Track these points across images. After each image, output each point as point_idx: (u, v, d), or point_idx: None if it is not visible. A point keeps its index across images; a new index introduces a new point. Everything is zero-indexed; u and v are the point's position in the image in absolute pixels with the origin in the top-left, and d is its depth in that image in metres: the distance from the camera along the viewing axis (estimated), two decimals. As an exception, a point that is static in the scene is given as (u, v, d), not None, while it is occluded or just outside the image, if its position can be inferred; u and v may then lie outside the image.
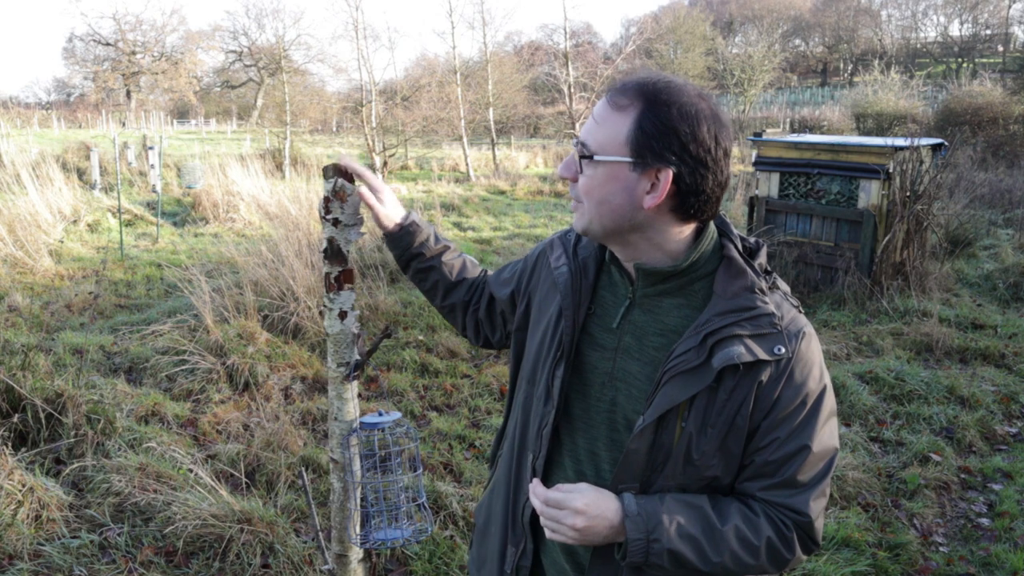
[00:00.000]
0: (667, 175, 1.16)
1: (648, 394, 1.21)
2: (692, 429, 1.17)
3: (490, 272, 1.68)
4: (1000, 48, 53.06)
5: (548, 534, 1.19)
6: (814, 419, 1.19)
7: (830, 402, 1.22)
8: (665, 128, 1.14)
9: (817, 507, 1.20)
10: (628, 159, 1.16)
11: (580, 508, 1.15)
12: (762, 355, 1.15)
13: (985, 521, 3.55)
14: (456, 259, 1.65)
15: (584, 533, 1.16)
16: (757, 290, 1.20)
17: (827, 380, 1.23)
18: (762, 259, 1.26)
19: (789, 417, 1.19)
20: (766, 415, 1.18)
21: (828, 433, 1.21)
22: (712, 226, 1.26)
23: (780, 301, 1.22)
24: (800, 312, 1.24)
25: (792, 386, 1.18)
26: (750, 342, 1.16)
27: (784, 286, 1.27)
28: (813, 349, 1.21)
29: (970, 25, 55.40)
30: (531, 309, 1.45)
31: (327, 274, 1.61)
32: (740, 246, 1.26)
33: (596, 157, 1.18)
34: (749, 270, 1.22)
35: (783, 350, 1.16)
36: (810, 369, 1.19)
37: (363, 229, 1.62)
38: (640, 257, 1.25)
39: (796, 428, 1.19)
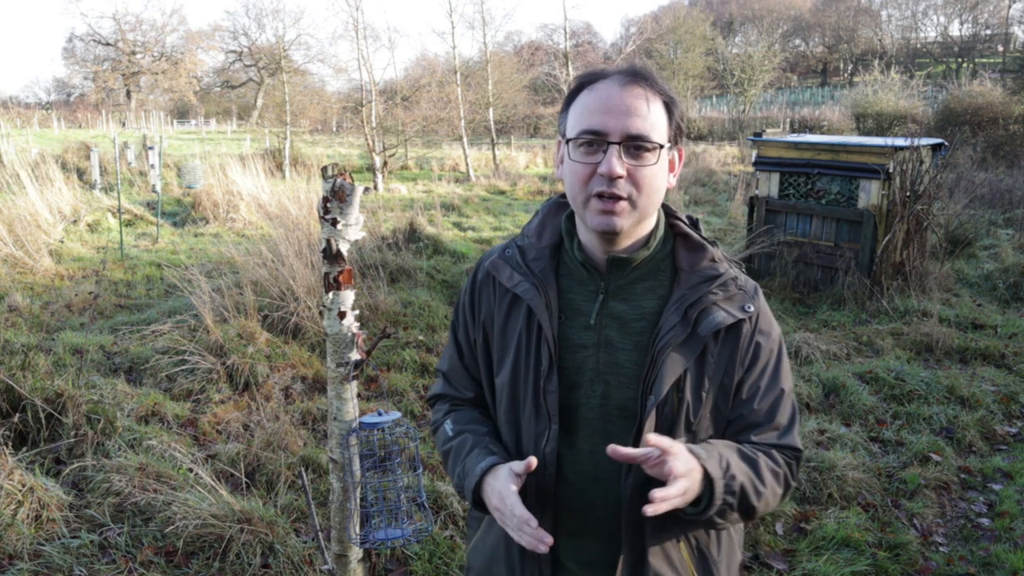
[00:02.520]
0: (681, 154, 1.32)
1: (639, 378, 1.25)
2: (689, 398, 1.26)
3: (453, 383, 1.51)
4: (1000, 48, 53.06)
5: (665, 507, 1.12)
6: (781, 364, 1.34)
7: (784, 344, 1.37)
8: (681, 111, 1.29)
9: (799, 442, 1.35)
10: (668, 144, 1.26)
11: (683, 471, 1.14)
12: (739, 315, 1.27)
13: (985, 521, 3.54)
14: (488, 437, 1.42)
15: (691, 494, 1.16)
16: (716, 259, 1.32)
17: (778, 326, 1.37)
18: (703, 231, 1.37)
19: (766, 367, 1.31)
20: (747, 369, 1.30)
21: (789, 373, 1.36)
22: (659, 207, 1.34)
23: (730, 264, 1.35)
24: (744, 272, 1.37)
25: (763, 338, 1.31)
26: (725, 305, 1.27)
27: (724, 253, 1.38)
28: (764, 302, 1.35)
29: (970, 25, 55.39)
30: (491, 339, 1.40)
31: (327, 274, 1.61)
32: (686, 221, 1.36)
33: (665, 146, 1.24)
34: (705, 243, 1.34)
35: (752, 307, 1.29)
36: (770, 320, 1.34)
37: (362, 229, 1.62)
38: (626, 245, 1.29)
39: (771, 375, 1.32)
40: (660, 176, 1.25)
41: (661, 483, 1.21)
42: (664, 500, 1.11)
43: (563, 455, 1.31)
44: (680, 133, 1.29)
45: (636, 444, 1.22)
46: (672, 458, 1.13)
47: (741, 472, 1.21)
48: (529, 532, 1.18)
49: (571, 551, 1.33)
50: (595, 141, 1.21)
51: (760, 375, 1.30)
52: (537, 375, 1.30)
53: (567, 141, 1.26)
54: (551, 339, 1.29)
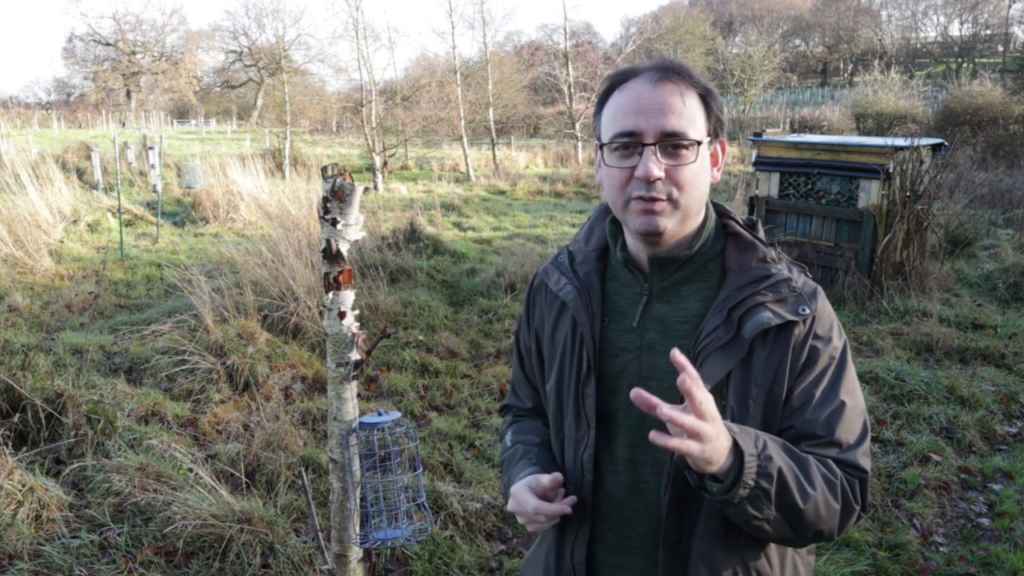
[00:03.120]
0: (724, 146, 1.26)
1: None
2: (733, 404, 1.18)
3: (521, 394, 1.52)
4: (1000, 48, 53.05)
5: (675, 443, 0.99)
6: (842, 374, 1.21)
7: (850, 357, 1.24)
8: (719, 102, 1.23)
9: (867, 463, 1.20)
10: (708, 138, 1.21)
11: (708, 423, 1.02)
12: (790, 317, 1.18)
13: (985, 521, 3.54)
14: (541, 447, 1.41)
15: (711, 449, 1.01)
16: (769, 259, 1.24)
17: (844, 336, 1.25)
18: (761, 233, 1.29)
19: (822, 375, 1.20)
20: (799, 375, 1.19)
21: (855, 387, 1.23)
22: (710, 207, 1.29)
23: (789, 266, 1.26)
24: (807, 275, 1.28)
25: (820, 344, 1.20)
26: (774, 307, 1.19)
27: (785, 255, 1.30)
28: (828, 306, 1.25)
29: (970, 25, 55.38)
30: (543, 346, 1.40)
31: (327, 274, 1.61)
32: (741, 221, 1.29)
33: (704, 142, 1.19)
34: (757, 242, 1.26)
35: (807, 310, 1.19)
36: (831, 325, 1.23)
37: (362, 229, 1.62)
38: (670, 245, 1.24)
39: (828, 385, 1.20)
40: (701, 173, 1.19)
41: (702, 495, 1.14)
42: (672, 422, 0.96)
43: (602, 463, 1.27)
44: (720, 125, 1.23)
45: (674, 455, 1.17)
46: (696, 387, 0.98)
47: (781, 459, 1.09)
48: (545, 510, 1.19)
49: (610, 569, 1.28)
50: (630, 144, 1.16)
51: (814, 383, 1.19)
52: (578, 379, 1.28)
53: (601, 146, 1.22)
54: (591, 342, 1.26)
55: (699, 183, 1.19)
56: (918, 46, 57.22)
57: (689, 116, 1.17)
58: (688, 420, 0.97)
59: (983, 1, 52.63)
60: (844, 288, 6.82)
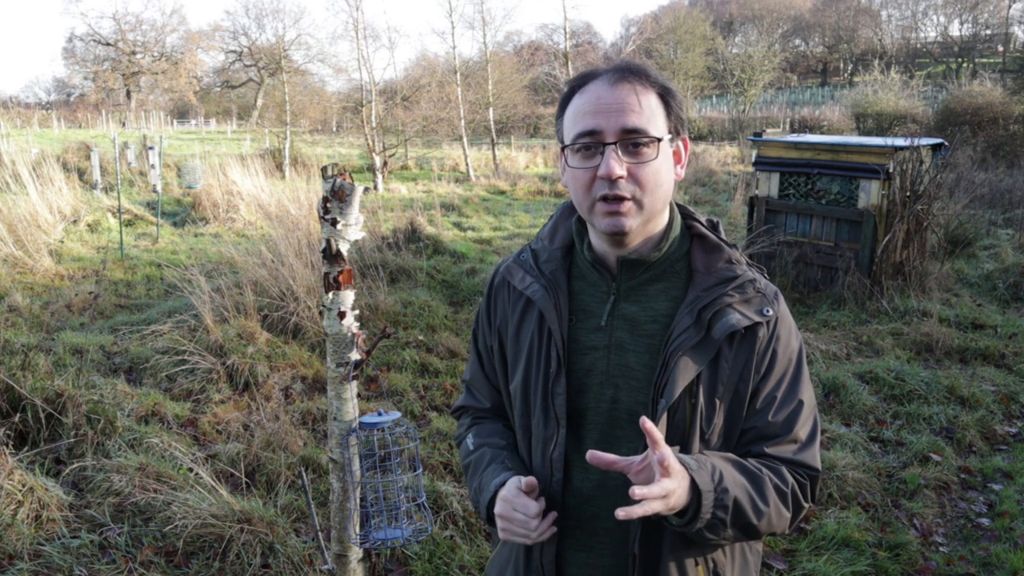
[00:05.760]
0: (687, 144, 1.28)
1: (650, 381, 1.22)
2: (703, 403, 1.21)
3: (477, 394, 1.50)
4: (1000, 48, 53.04)
5: (640, 512, 1.06)
6: (800, 374, 1.27)
7: (805, 357, 1.30)
8: (679, 100, 1.24)
9: (818, 462, 1.28)
10: (669, 135, 1.22)
11: (668, 488, 1.08)
12: (756, 318, 1.22)
13: (985, 521, 3.55)
14: (507, 452, 1.40)
15: (675, 500, 1.09)
16: (734, 261, 1.27)
17: (800, 336, 1.31)
18: (723, 234, 1.32)
19: (783, 376, 1.25)
20: (762, 377, 1.24)
21: (810, 386, 1.30)
22: (675, 208, 1.31)
23: (750, 267, 1.30)
24: (766, 276, 1.30)
25: (781, 345, 1.25)
26: (741, 308, 1.22)
27: (744, 256, 1.33)
28: (787, 309, 1.30)
29: (970, 25, 55.37)
30: (505, 344, 1.39)
31: (326, 274, 1.61)
32: (704, 223, 1.32)
33: (664, 138, 1.20)
34: (723, 244, 1.29)
35: (770, 311, 1.24)
36: (790, 327, 1.28)
37: (362, 229, 1.62)
38: (635, 246, 1.25)
39: (789, 386, 1.25)
40: (663, 171, 1.20)
41: None
42: (645, 499, 1.03)
43: (571, 461, 1.28)
44: (681, 123, 1.24)
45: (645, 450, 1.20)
46: (664, 451, 1.06)
47: (737, 486, 1.16)
48: (536, 527, 1.19)
49: (578, 566, 1.30)
50: (591, 144, 1.18)
51: (777, 384, 1.24)
52: (546, 378, 1.28)
53: (564, 148, 1.23)
54: (560, 340, 1.26)
55: (662, 181, 1.21)
56: (918, 46, 57.20)
57: (648, 114, 1.18)
58: (656, 492, 1.05)
59: (983, 1, 52.62)
60: (844, 288, 6.82)
